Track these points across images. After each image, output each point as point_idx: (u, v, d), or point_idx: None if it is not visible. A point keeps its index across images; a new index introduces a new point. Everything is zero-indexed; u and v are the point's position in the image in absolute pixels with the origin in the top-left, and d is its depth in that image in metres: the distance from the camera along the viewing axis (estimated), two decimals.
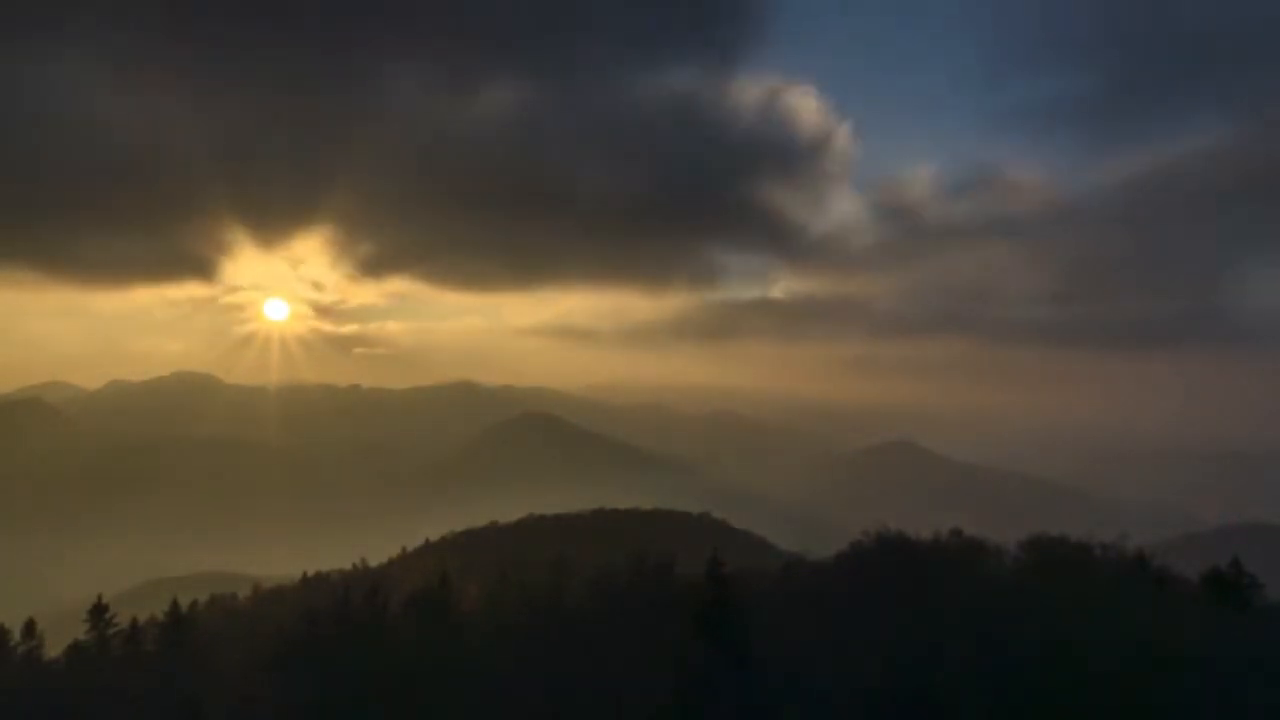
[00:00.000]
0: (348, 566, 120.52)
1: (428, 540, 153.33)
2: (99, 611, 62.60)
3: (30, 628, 65.73)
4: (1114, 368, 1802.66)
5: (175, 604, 66.25)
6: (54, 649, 66.70)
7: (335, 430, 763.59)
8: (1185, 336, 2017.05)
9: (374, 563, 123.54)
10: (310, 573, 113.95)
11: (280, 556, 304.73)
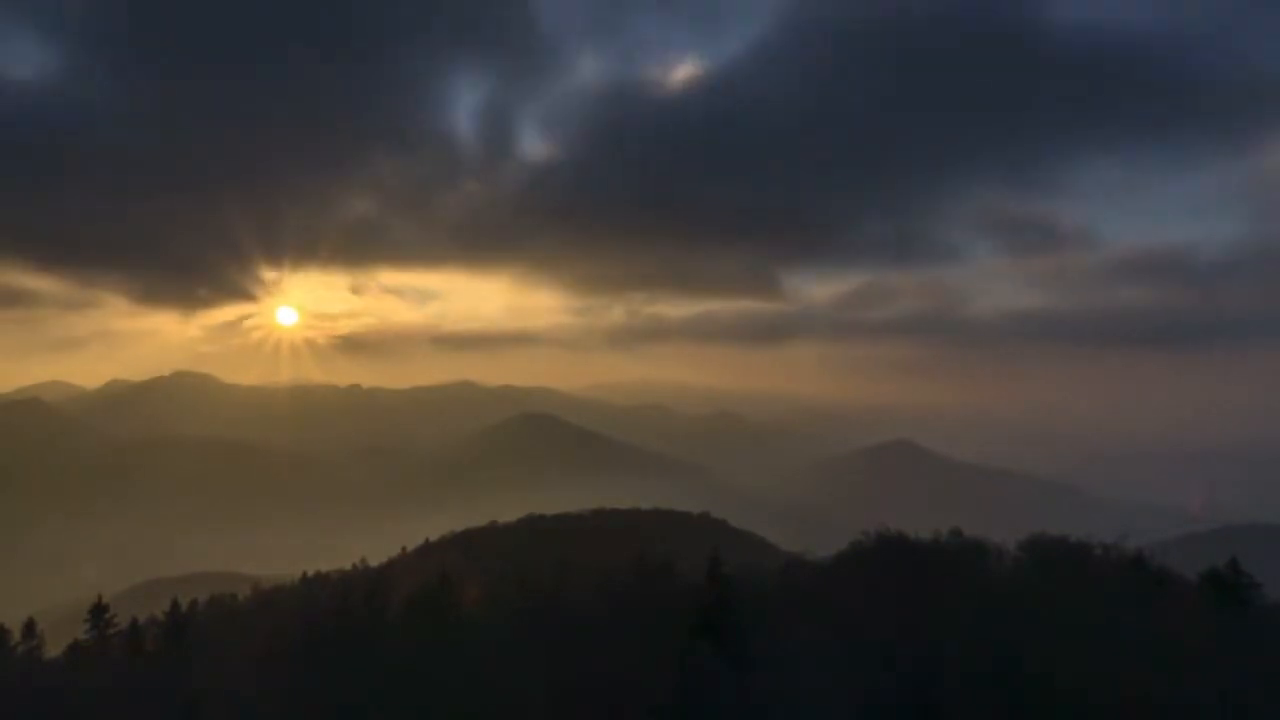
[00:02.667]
0: (348, 566, 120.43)
1: (428, 540, 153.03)
2: (99, 611, 62.65)
3: (30, 628, 65.78)
4: (1114, 367, 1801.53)
5: (175, 604, 66.39)
6: (54, 649, 66.72)
7: (335, 430, 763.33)
8: (1186, 335, 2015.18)
9: (374, 563, 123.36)
10: (310, 573, 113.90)
11: (280, 556, 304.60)
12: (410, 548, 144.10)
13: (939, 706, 32.26)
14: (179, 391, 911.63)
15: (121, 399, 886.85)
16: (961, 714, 31.87)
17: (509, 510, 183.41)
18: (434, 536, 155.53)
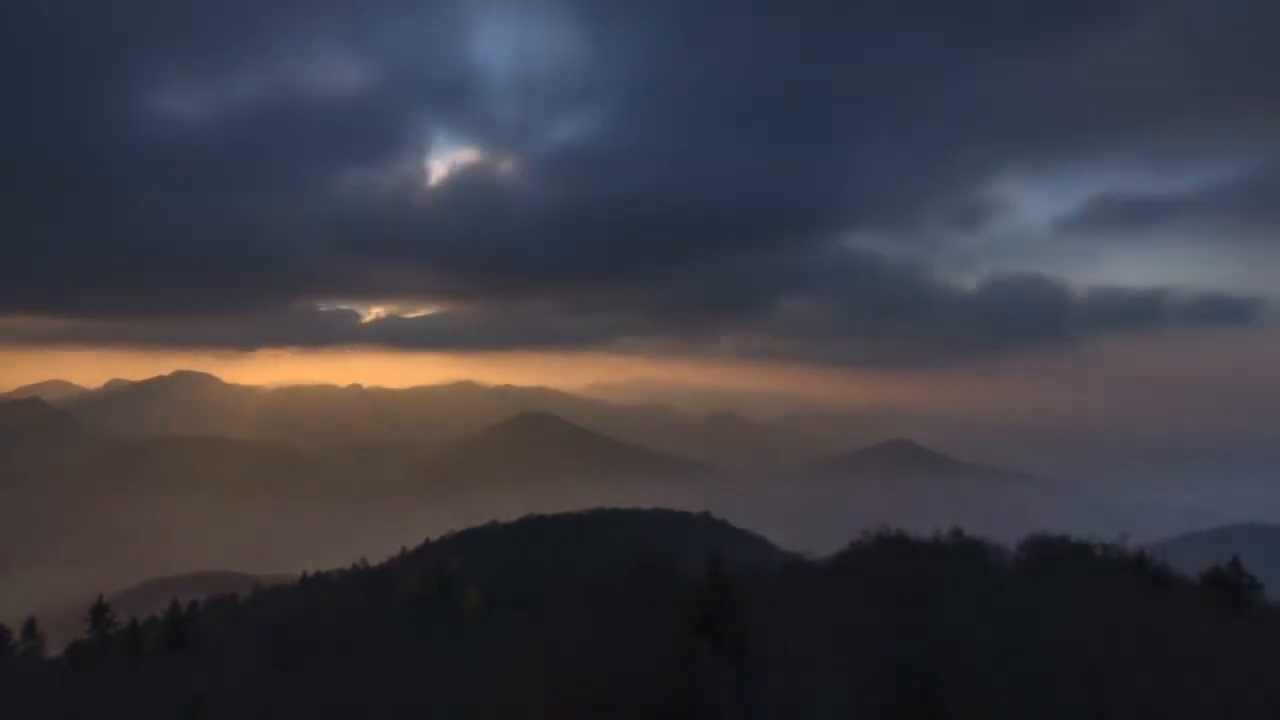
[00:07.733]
0: (348, 566, 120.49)
1: (428, 540, 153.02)
2: (99, 611, 62.70)
3: (30, 627, 65.81)
4: (1114, 365, 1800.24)
5: (175, 604, 66.51)
6: (54, 649, 66.75)
7: (335, 430, 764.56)
8: (1185, 334, 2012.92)
9: (374, 563, 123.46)
10: (310, 573, 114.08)
11: (280, 556, 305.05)
12: (410, 548, 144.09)
13: (939, 707, 32.25)
14: (179, 391, 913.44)
15: (122, 399, 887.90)
16: (962, 714, 31.86)
17: (509, 510, 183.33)
18: (434, 536, 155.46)
